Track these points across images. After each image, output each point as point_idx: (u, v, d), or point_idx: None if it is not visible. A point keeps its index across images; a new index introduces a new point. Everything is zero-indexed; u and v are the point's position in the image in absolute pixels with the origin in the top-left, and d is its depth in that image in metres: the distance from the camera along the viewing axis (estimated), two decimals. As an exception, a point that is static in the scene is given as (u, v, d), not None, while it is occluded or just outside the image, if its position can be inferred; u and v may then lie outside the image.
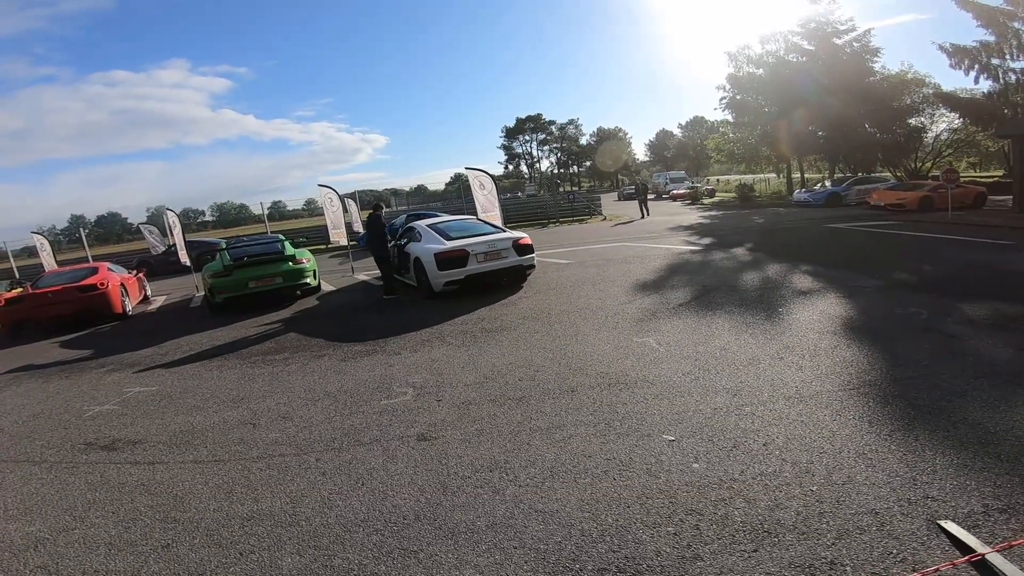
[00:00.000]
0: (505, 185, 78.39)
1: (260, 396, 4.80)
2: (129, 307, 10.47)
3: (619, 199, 42.56)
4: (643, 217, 22.34)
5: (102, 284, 9.72)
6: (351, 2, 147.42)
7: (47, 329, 9.49)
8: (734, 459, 2.99)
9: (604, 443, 3.32)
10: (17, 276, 19.01)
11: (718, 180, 42.93)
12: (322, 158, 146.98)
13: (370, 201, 15.70)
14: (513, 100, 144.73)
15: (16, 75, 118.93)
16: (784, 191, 30.10)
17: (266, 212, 23.41)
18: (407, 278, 9.26)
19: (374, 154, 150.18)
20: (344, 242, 12.60)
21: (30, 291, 9.67)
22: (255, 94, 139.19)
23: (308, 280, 9.49)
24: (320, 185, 12.87)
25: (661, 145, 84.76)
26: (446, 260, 7.94)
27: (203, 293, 10.89)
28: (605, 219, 23.36)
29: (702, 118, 78.89)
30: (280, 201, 72.54)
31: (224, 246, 10.06)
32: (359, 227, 18.61)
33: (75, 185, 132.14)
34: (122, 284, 10.37)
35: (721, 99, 30.19)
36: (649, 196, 25.13)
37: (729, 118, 31.79)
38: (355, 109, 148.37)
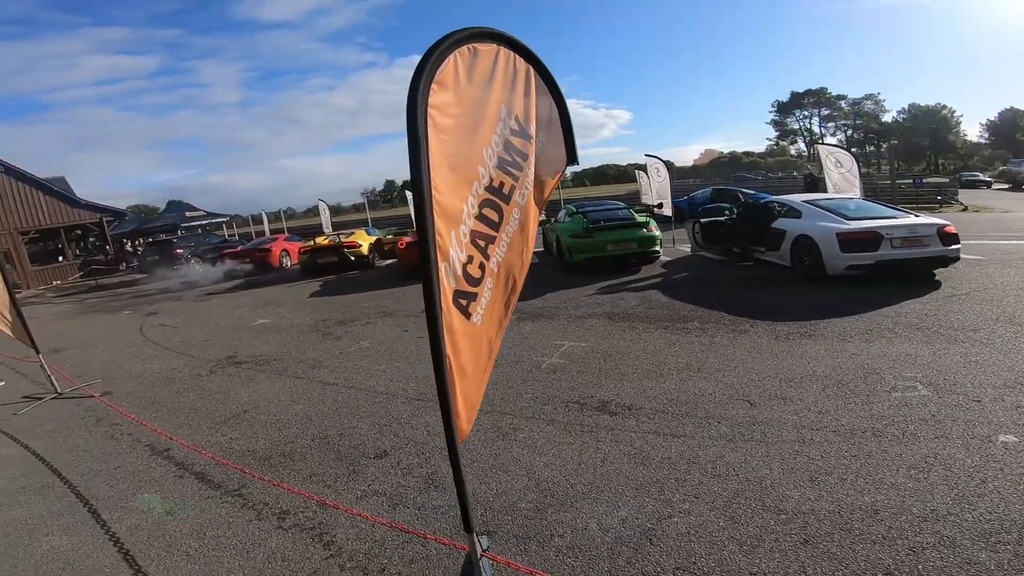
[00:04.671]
0: (771, 164, 69.98)
1: (718, 369, 4.50)
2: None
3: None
4: None
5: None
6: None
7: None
8: None
9: None
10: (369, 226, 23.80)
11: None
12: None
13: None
14: (784, 73, 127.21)
15: (348, 62, 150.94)
16: None
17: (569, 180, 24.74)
18: (770, 255, 8.43)
19: (618, 129, 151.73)
20: (669, 213, 12.30)
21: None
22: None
23: (658, 248, 9.37)
24: (647, 155, 12.72)
25: (1008, 126, 64.36)
26: (853, 241, 6.82)
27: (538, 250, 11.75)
28: (966, 209, 18.39)
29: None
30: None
31: (574, 209, 10.59)
32: (646, 199, 18.53)
33: (386, 155, 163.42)
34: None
35: None
36: (984, 186, 17.23)
37: None
38: (600, 86, 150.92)
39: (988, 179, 33.84)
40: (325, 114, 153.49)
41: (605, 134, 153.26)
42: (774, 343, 5.01)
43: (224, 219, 31.71)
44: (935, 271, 7.10)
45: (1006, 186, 32.38)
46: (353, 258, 13.94)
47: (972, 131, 68.51)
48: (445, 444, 3.43)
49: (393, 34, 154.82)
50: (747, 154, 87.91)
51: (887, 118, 69.08)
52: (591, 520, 2.67)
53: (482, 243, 1.92)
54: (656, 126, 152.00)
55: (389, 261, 14.88)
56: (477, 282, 1.91)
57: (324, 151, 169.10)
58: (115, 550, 2.82)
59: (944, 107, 65.26)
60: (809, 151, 73.27)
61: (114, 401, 5.37)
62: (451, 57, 1.68)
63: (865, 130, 69.64)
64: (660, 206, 12.42)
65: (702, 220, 9.22)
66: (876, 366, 4.25)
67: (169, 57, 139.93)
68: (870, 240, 6.76)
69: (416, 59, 1.62)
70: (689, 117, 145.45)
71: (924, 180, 20.25)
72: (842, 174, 11.05)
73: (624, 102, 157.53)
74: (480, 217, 1.91)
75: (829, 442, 3.17)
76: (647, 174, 14.46)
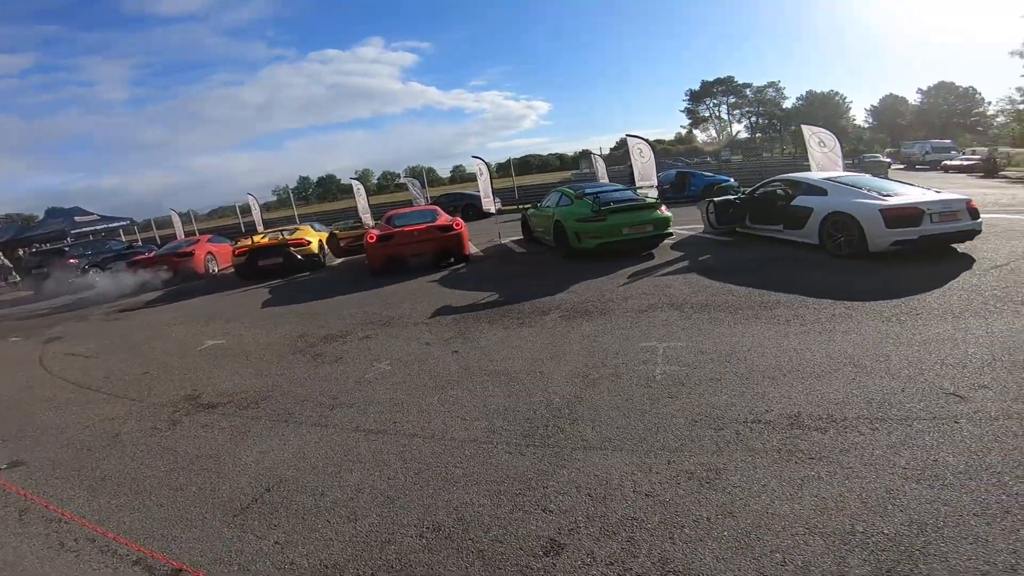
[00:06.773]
0: (678, 151, 74.15)
1: (873, 361, 3.83)
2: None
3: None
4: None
5: (457, 225, 10.01)
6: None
7: (402, 268, 9.90)
8: None
9: None
10: (296, 220, 21.59)
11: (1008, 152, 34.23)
12: (492, 125, 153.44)
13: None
14: (698, 63, 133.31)
15: (257, 56, 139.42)
16: None
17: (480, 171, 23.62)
18: (790, 233, 8.13)
19: (538, 120, 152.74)
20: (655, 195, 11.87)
21: (395, 229, 10.17)
22: (436, 67, 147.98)
23: (671, 231, 8.77)
24: (629, 135, 12.21)
25: (890, 111, 71.96)
26: (897, 217, 6.67)
27: (505, 239, 10.79)
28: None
29: (951, 83, 66.98)
30: (461, 165, 75.70)
31: (574, 192, 9.71)
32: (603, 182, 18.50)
33: (301, 151, 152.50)
34: (461, 228, 10.63)
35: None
36: (895, 166, 18.41)
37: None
38: (521, 77, 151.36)
39: (887, 160, 37.12)
40: (231, 110, 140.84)
41: (526, 125, 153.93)
42: (892, 326, 4.46)
43: (123, 223, 27.68)
44: (954, 245, 7.08)
45: (901, 166, 35.77)
46: (301, 257, 12.20)
47: (859, 116, 76.11)
48: (637, 509, 2.42)
49: (304, 27, 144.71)
50: (659, 142, 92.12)
51: (787, 104, 74.80)
52: (970, 562, 2.00)
53: None
54: (574, 117, 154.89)
55: (341, 260, 13.28)
56: None
57: (231, 148, 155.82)
58: None
59: (837, 94, 71.87)
60: (720, 137, 77.66)
61: (36, 478, 3.61)
62: None
63: (768, 116, 74.84)
64: (658, 187, 11.96)
65: (715, 200, 8.88)
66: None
67: (45, 55, 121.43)
68: (913, 215, 6.69)
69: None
70: (607, 108, 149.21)
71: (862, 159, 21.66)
72: (825, 153, 11.15)
73: (543, 93, 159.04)
74: None
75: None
76: (595, 158, 13.93)
